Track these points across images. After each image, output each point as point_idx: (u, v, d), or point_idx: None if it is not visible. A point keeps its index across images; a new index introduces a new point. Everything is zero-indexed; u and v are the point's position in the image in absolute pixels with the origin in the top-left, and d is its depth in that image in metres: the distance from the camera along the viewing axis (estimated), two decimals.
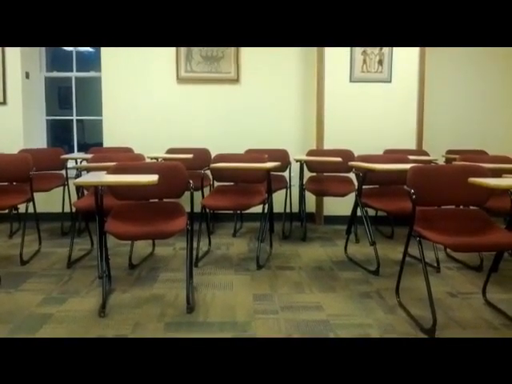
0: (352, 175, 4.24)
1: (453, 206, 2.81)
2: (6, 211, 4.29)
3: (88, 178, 2.82)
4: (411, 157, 3.87)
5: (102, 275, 2.93)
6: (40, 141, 5.34)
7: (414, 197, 2.54)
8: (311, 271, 3.39)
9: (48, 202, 4.70)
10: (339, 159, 3.90)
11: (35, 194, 3.89)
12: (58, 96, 6.49)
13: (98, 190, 2.72)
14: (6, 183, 3.89)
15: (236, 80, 5.05)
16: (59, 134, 6.56)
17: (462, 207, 2.81)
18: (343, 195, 4.14)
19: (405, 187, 2.63)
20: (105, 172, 2.90)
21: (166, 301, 2.82)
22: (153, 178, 2.51)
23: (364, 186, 3.61)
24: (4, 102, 4.94)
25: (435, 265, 3.39)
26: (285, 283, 3.13)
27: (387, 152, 4.51)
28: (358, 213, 3.63)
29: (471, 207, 2.80)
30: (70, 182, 4.48)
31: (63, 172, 4.61)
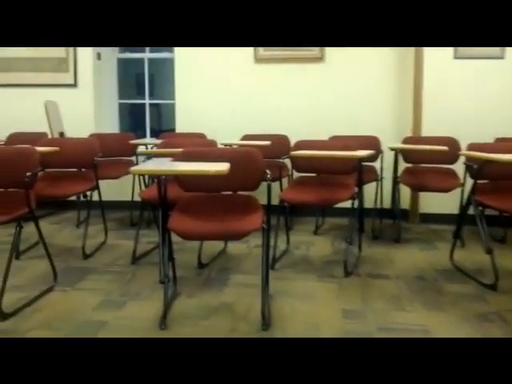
0: (456, 167, 3.62)
1: None
2: (75, 198, 4.05)
3: (146, 166, 2.43)
4: None
5: (163, 280, 2.52)
6: (112, 125, 5.10)
7: None
8: (411, 282, 2.82)
9: (119, 190, 4.45)
10: (446, 148, 3.26)
11: (105, 182, 3.63)
12: (136, 83, 6.27)
13: (160, 180, 2.33)
14: (72, 169, 3.64)
15: (320, 58, 4.50)
16: (136, 120, 6.36)
17: None
18: (447, 190, 3.50)
19: None
20: (170, 159, 2.50)
21: (238, 312, 2.38)
22: (222, 166, 2.06)
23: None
24: (75, 85, 4.72)
25: None
26: (380, 296, 2.59)
27: (499, 141, 3.81)
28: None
29: None
30: None
31: (133, 158, 4.32)
